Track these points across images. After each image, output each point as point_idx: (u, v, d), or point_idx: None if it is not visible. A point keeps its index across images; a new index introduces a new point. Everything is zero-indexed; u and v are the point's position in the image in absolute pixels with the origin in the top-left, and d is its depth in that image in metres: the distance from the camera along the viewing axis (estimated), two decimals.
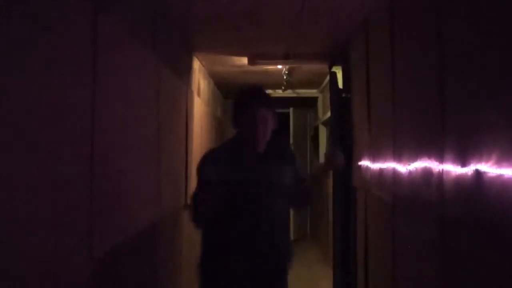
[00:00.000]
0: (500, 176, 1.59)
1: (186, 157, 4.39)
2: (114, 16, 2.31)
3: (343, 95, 4.74)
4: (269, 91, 7.86)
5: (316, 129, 8.42)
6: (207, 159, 2.64)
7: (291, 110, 8.57)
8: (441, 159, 2.13)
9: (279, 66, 5.92)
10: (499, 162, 1.60)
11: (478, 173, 1.74)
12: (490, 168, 1.66)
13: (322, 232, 7.94)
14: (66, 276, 1.80)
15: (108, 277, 2.26)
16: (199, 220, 2.60)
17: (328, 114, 6.66)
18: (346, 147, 4.54)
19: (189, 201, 4.25)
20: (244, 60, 5.41)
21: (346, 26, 4.12)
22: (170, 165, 3.63)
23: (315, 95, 8.06)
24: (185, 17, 3.89)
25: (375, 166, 3.47)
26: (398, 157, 2.84)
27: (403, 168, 2.73)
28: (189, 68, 4.76)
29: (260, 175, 2.55)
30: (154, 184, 3.10)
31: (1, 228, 1.37)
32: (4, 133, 1.38)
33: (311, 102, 8.47)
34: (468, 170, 1.83)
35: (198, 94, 5.32)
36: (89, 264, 2.00)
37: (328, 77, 6.26)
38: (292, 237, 8.25)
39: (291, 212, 3.24)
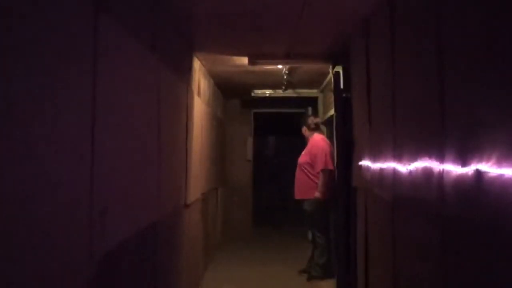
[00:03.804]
0: (500, 176, 1.59)
1: (186, 157, 4.39)
2: (114, 16, 2.31)
3: (343, 94, 4.74)
4: (269, 91, 7.90)
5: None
6: None
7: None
8: (441, 159, 2.13)
9: (279, 66, 5.92)
10: (499, 162, 1.60)
11: (478, 173, 1.74)
12: (490, 168, 1.66)
13: None
14: (66, 276, 1.80)
15: (108, 277, 2.26)
16: None
17: (328, 114, 6.66)
18: (347, 147, 4.55)
19: (189, 200, 4.40)
20: (244, 60, 5.41)
21: (347, 26, 4.12)
22: (170, 165, 3.63)
23: (315, 95, 8.05)
24: (185, 17, 3.89)
25: (376, 166, 3.47)
26: (398, 157, 2.84)
27: (403, 168, 2.73)
28: (189, 68, 4.76)
29: None
30: (154, 184, 3.10)
31: (1, 228, 1.37)
32: (5, 133, 1.38)
33: (311, 102, 8.46)
34: (468, 170, 1.83)
35: (198, 94, 5.32)
36: (89, 264, 2.00)
37: (328, 77, 6.27)
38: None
39: None
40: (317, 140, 6.18)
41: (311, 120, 6.41)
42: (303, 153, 6.26)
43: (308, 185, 6.02)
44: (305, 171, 6.08)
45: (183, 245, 4.37)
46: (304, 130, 6.40)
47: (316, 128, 6.36)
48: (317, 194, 5.91)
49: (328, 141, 6.35)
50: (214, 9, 3.72)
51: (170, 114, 3.63)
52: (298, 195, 6.16)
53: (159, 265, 3.33)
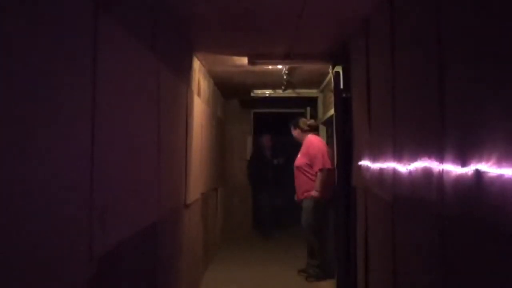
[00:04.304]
0: (500, 176, 1.59)
1: (186, 157, 4.39)
2: (114, 16, 2.31)
3: (343, 94, 4.74)
4: (269, 91, 7.91)
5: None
6: None
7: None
8: (441, 159, 2.13)
9: (279, 66, 5.92)
10: (499, 162, 1.60)
11: (478, 173, 1.74)
12: (490, 168, 1.66)
13: None
14: (66, 276, 1.80)
15: (108, 277, 2.26)
16: None
17: (328, 114, 6.66)
18: (347, 147, 4.55)
19: (189, 200, 4.38)
20: (244, 60, 5.41)
21: (347, 26, 4.12)
22: (170, 165, 3.63)
23: (315, 95, 8.06)
24: (185, 17, 3.89)
25: (375, 166, 3.47)
26: (398, 157, 2.84)
27: (403, 168, 2.73)
28: (189, 68, 4.76)
29: None
30: (154, 184, 3.10)
31: (1, 228, 1.37)
32: (5, 133, 1.38)
33: (311, 102, 8.47)
34: (468, 170, 1.83)
35: (198, 94, 5.32)
36: (89, 264, 2.00)
37: (328, 77, 6.27)
38: None
39: None
40: (313, 141, 6.18)
41: (303, 123, 6.39)
42: (299, 155, 6.21)
43: (308, 185, 6.01)
44: (304, 172, 6.07)
45: (183, 245, 4.37)
46: (298, 132, 6.35)
47: (311, 130, 6.34)
48: (314, 193, 5.91)
49: (323, 140, 6.35)
50: (214, 9, 3.72)
51: (170, 114, 3.63)
52: (299, 198, 6.15)
53: (159, 265, 3.33)
